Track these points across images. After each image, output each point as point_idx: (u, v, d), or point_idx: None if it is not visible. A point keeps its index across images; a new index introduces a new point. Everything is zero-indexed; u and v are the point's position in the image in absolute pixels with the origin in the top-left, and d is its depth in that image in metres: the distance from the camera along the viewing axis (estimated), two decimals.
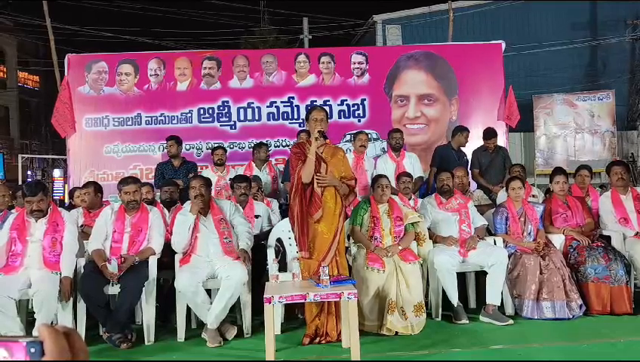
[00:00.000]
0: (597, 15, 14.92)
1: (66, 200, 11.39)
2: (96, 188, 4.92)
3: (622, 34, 14.65)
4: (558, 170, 5.09)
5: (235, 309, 4.16)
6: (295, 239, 3.96)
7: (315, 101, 7.10)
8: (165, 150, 6.37)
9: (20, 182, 11.74)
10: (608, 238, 4.72)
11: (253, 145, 6.51)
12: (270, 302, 3.19)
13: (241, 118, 7.14)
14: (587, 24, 14.94)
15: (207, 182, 4.28)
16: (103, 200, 5.20)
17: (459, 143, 6.23)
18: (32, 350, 0.58)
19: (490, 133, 6.32)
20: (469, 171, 5.98)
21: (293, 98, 7.20)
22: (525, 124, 9.34)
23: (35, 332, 0.67)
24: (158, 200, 5.20)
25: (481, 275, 4.61)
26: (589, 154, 12.34)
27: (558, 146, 12.67)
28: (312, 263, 3.71)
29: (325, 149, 3.89)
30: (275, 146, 7.07)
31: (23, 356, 0.58)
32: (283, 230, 4.53)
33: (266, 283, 3.60)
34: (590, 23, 14.97)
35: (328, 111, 6.84)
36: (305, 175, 3.74)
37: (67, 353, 0.60)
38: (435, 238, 4.61)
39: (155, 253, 4.18)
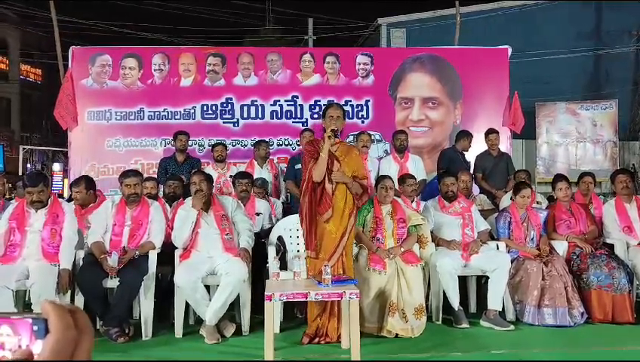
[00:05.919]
0: (601, 25, 14.93)
1: (65, 194, 11.34)
2: (87, 185, 4.69)
3: (626, 44, 14.65)
4: (560, 177, 5.08)
5: (233, 307, 4.13)
6: (304, 237, 3.91)
7: (319, 101, 7.07)
8: (170, 145, 6.37)
9: (20, 174, 11.73)
10: (611, 246, 4.70)
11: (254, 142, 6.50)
12: (271, 300, 3.16)
13: (245, 115, 7.10)
14: (592, 33, 14.95)
15: (208, 178, 4.25)
16: (105, 194, 5.14)
17: (463, 147, 6.24)
18: (35, 327, 0.55)
19: (490, 130, 6.33)
20: (473, 176, 5.96)
21: (297, 97, 7.16)
22: (527, 132, 9.28)
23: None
24: (160, 196, 5.16)
25: (482, 280, 4.58)
26: (591, 164, 12.28)
27: (560, 154, 12.62)
28: (319, 262, 3.66)
29: (340, 147, 3.82)
30: (278, 145, 7.04)
31: (28, 334, 0.55)
32: (284, 228, 4.50)
33: (267, 280, 3.57)
34: (595, 33, 14.98)
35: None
36: (316, 174, 3.68)
37: (72, 330, 0.56)
38: (437, 241, 4.58)
39: (155, 248, 4.15)
